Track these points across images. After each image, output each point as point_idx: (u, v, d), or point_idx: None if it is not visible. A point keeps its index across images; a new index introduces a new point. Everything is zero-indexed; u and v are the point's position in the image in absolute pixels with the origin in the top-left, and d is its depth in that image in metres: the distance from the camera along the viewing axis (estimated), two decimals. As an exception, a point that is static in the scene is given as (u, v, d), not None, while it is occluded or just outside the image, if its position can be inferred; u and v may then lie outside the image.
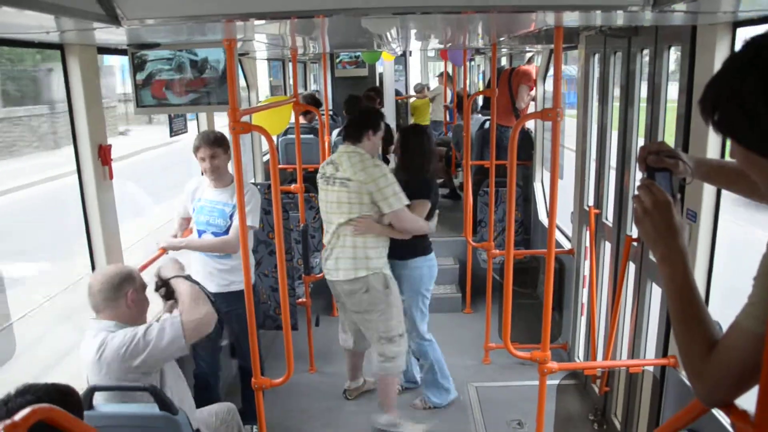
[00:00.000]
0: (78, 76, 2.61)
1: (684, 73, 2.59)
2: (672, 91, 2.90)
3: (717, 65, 2.34)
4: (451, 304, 5.52)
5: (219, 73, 2.85)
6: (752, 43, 1.05)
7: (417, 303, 3.78)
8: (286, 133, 5.78)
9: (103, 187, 2.75)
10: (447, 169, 7.44)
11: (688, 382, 2.64)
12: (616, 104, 3.55)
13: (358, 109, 6.03)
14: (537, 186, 5.60)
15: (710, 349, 1.18)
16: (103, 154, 2.72)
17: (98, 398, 2.21)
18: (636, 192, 1.37)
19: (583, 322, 4.18)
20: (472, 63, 10.54)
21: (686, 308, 1.24)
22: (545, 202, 5.50)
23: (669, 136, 2.80)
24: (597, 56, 3.81)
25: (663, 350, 2.85)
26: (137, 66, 2.85)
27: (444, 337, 4.96)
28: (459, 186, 7.33)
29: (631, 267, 3.25)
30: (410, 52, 9.66)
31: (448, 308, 5.47)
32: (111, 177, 2.79)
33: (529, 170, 5.81)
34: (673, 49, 2.84)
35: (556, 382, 4.20)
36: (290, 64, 7.25)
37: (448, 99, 8.06)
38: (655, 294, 3.04)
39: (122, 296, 2.31)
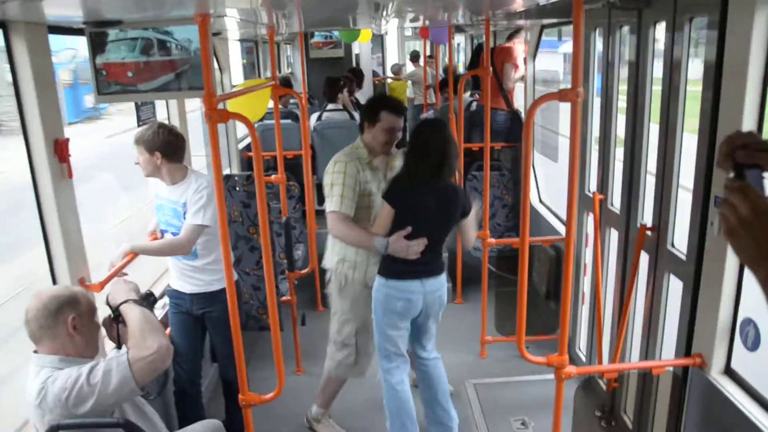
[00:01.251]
0: (26, 59, 2.25)
1: (711, 49, 2.35)
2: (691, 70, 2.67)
3: (755, 40, 2.13)
4: (441, 295, 5.29)
5: (191, 55, 2.52)
6: None
7: (375, 326, 3.23)
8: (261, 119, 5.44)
9: (61, 187, 2.41)
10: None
11: (716, 383, 2.47)
12: (622, 86, 3.32)
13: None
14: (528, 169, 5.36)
15: None
16: (60, 150, 2.37)
17: None
18: (724, 196, 1.11)
19: (584, 312, 3.98)
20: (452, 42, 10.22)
21: None
22: (537, 187, 5.28)
23: (691, 122, 2.56)
24: (599, 31, 3.55)
25: (686, 348, 2.64)
26: (96, 48, 2.50)
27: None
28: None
29: (644, 257, 3.04)
30: (386, 32, 9.31)
31: (438, 299, 5.24)
32: (70, 175, 2.44)
33: (518, 152, 5.57)
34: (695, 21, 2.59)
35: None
36: (263, 46, 6.88)
37: (429, 80, 7.76)
38: (674, 287, 2.84)
39: (61, 323, 1.96)
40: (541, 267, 4.59)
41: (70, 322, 1.96)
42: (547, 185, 5.27)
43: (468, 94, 5.91)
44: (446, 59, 7.88)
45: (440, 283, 3.17)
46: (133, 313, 2.06)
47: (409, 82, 10.05)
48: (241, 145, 5.84)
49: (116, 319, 2.14)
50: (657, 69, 2.96)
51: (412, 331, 3.27)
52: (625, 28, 3.20)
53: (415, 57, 10.59)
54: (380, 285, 3.10)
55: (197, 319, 3.22)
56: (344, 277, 3.30)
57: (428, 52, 8.04)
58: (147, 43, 2.49)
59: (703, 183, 2.46)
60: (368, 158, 3.22)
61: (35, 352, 1.99)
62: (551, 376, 3.97)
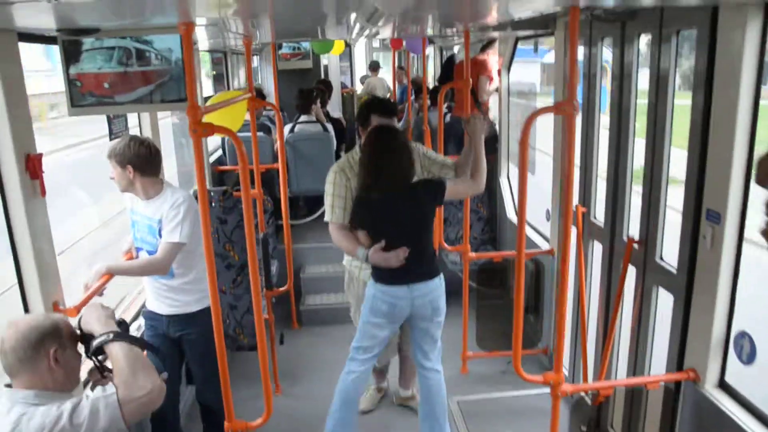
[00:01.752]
0: (-6, 68, 2.10)
1: (701, 62, 2.35)
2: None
3: (747, 53, 2.14)
4: (418, 309, 5.22)
5: (171, 65, 2.41)
6: None
7: (360, 318, 3.28)
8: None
9: (34, 206, 2.25)
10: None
11: (710, 397, 2.46)
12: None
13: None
14: (503, 181, 5.36)
15: None
16: (32, 166, 2.22)
17: None
18: None
19: (566, 326, 3.96)
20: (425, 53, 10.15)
21: None
22: (513, 199, 5.28)
23: (680, 138, 2.57)
24: (579, 42, 3.56)
25: (677, 363, 2.63)
26: (70, 57, 2.36)
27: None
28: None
29: (631, 270, 3.04)
30: (354, 44, 9.27)
31: (416, 313, 5.16)
32: (43, 193, 2.29)
33: (493, 165, 5.56)
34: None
35: (541, 391, 3.98)
36: (231, 57, 6.74)
37: (397, 92, 7.72)
38: (663, 301, 2.83)
39: (42, 356, 1.78)
40: (519, 280, 4.57)
41: (52, 355, 1.79)
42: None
43: (446, 106, 5.91)
44: (415, 70, 7.86)
45: (430, 287, 3.08)
46: (116, 348, 1.87)
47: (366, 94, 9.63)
48: (212, 159, 5.69)
49: (95, 352, 1.96)
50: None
51: (411, 335, 3.28)
52: (607, 40, 3.21)
53: (374, 67, 10.36)
54: (370, 285, 3.15)
55: (174, 342, 3.06)
56: (351, 276, 3.47)
57: (397, 63, 8.01)
58: (125, 53, 2.36)
59: (694, 196, 2.46)
60: None
61: (8, 386, 1.81)
62: (535, 391, 4.00)
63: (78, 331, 2.00)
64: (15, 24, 2.14)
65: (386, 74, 11.06)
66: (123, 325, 2.17)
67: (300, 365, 4.36)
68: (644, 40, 2.91)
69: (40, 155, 2.26)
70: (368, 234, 3.05)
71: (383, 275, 3.07)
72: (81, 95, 2.40)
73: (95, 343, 1.90)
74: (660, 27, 2.68)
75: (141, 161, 2.80)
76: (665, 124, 2.71)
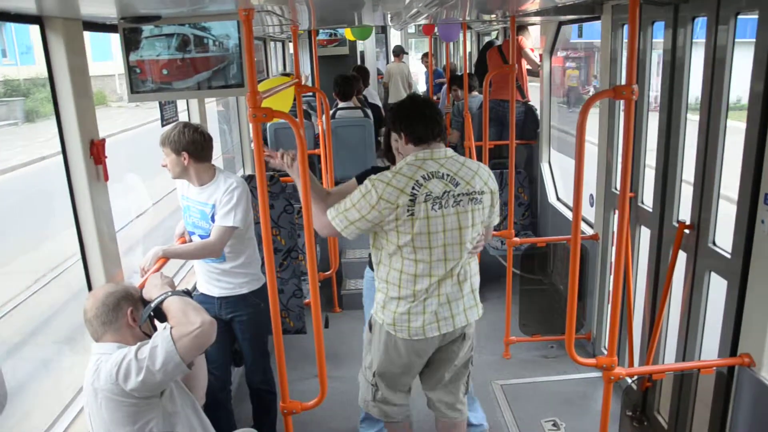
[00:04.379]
0: (63, 57, 2.17)
1: (762, 45, 2.30)
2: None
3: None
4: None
5: (229, 51, 2.45)
6: None
7: None
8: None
9: (97, 190, 2.33)
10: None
11: (767, 382, 2.43)
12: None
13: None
14: (544, 167, 5.32)
15: None
16: (96, 151, 2.29)
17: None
18: None
19: (609, 311, 3.94)
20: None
21: None
22: (554, 184, 5.24)
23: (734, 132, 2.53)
24: (626, 27, 3.51)
25: (731, 348, 2.61)
26: (130, 44, 2.42)
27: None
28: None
29: (681, 256, 3.01)
30: (389, 29, 9.22)
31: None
32: (106, 178, 2.36)
33: (533, 150, 5.53)
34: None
35: (584, 375, 3.98)
36: (270, 44, 6.81)
37: (423, 79, 7.66)
38: (716, 286, 2.80)
39: (121, 317, 2.03)
40: (561, 266, 4.56)
41: (129, 315, 2.03)
42: (565, 181, 5.25)
43: (477, 90, 5.92)
44: (445, 57, 7.78)
45: None
46: (172, 300, 2.05)
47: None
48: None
49: (153, 317, 2.11)
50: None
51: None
52: (658, 24, 3.16)
53: (397, 52, 10.16)
54: None
55: (226, 324, 3.13)
56: None
57: (433, 50, 7.98)
58: (183, 40, 2.41)
59: (751, 181, 2.42)
60: None
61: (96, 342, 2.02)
62: (577, 375, 4.00)
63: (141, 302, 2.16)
64: (80, 13, 2.20)
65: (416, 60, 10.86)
66: (187, 294, 2.27)
67: (343, 349, 4.41)
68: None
69: (103, 141, 2.32)
70: None
71: None
72: (140, 82, 2.46)
73: (154, 303, 2.07)
74: (717, 9, 2.62)
75: (196, 147, 2.84)
76: (721, 107, 2.67)
